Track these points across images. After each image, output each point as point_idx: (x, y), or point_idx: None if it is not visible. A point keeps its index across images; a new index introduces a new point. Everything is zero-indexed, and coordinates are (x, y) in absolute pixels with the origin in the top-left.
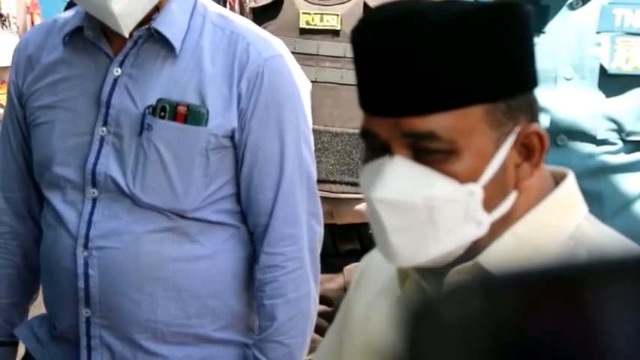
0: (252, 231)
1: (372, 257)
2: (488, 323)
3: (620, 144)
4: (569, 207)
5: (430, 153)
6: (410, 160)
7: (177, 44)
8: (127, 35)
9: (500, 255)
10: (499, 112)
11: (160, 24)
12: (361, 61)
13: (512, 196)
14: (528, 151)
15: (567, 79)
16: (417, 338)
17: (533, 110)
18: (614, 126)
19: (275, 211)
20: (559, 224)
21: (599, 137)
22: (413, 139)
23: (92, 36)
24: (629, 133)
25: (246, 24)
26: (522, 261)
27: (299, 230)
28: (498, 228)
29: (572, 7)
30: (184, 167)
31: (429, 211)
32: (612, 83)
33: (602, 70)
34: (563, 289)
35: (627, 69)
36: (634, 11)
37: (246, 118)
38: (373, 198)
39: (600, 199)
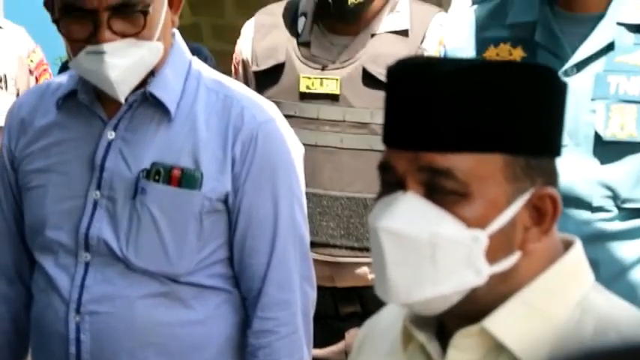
0: (245, 296)
1: (375, 322)
2: None
3: (616, 211)
4: (577, 275)
5: (443, 192)
6: (422, 197)
7: (172, 108)
8: (122, 101)
9: (507, 321)
10: (518, 167)
11: (155, 88)
12: (393, 92)
13: (516, 256)
14: (539, 215)
15: (562, 146)
16: None
17: (552, 177)
18: (609, 193)
19: (268, 275)
20: (567, 292)
21: (594, 204)
22: (429, 174)
23: (86, 100)
24: (624, 201)
25: (240, 88)
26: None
27: (292, 295)
28: (497, 285)
29: (567, 74)
30: (178, 231)
31: (432, 248)
32: (607, 150)
33: (597, 137)
34: None
35: (622, 136)
36: (628, 78)
37: (240, 181)
38: (379, 227)
39: (596, 267)
